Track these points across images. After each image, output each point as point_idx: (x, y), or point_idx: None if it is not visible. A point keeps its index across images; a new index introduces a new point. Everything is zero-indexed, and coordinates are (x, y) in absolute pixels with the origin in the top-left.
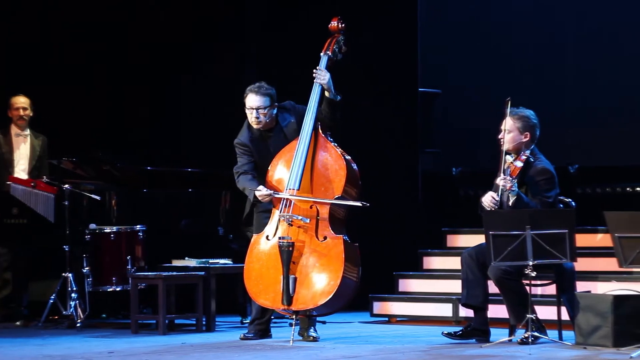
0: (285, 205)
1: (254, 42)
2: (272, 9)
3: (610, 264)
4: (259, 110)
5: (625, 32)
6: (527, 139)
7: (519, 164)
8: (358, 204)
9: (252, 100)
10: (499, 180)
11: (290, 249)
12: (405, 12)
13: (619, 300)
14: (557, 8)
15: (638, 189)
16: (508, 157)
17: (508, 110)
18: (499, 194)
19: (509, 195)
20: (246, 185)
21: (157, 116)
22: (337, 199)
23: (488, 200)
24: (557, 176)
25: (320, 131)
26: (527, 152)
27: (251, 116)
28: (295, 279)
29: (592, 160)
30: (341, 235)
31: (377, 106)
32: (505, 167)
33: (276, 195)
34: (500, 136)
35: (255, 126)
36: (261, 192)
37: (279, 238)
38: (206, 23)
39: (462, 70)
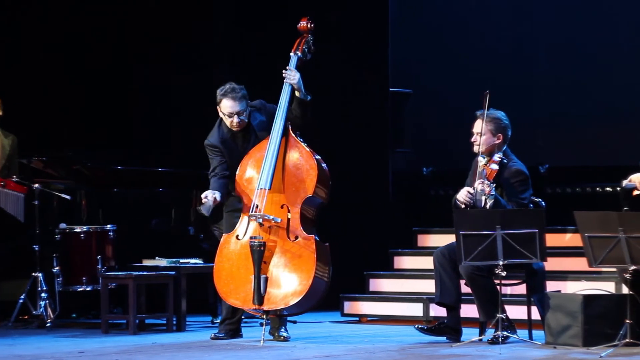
0: (256, 204)
1: (225, 42)
2: (241, 8)
3: (580, 263)
4: (239, 115)
5: (596, 35)
6: (500, 140)
7: (495, 166)
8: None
9: (232, 106)
10: (477, 184)
11: (262, 248)
12: (377, 12)
13: (588, 299)
14: (530, 10)
15: (608, 189)
16: (481, 159)
17: (486, 105)
18: (475, 194)
19: (487, 199)
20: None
21: (130, 115)
22: (308, 198)
23: (463, 195)
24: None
25: (291, 131)
26: (500, 154)
27: (230, 121)
28: (266, 279)
29: (562, 161)
30: (312, 235)
31: (348, 106)
32: (481, 170)
33: (209, 205)
34: (473, 139)
35: (235, 129)
36: (206, 199)
37: (250, 237)
38: (175, 22)
39: (434, 70)
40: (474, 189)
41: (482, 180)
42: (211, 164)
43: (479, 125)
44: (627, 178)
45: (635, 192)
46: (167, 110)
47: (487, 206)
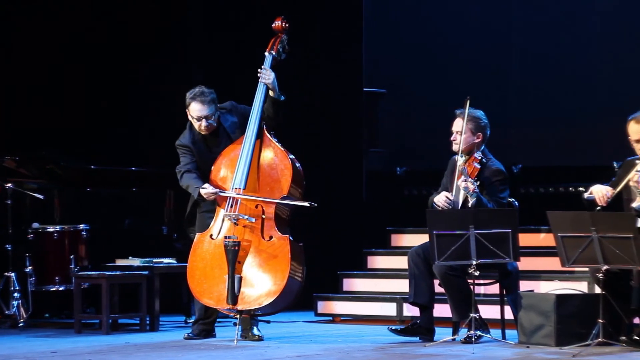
0: (231, 204)
1: (198, 43)
2: (213, 8)
3: (553, 263)
4: (207, 119)
5: (569, 32)
6: (480, 139)
7: (477, 165)
8: (305, 203)
9: (200, 110)
10: (460, 182)
11: (236, 248)
12: (351, 12)
13: (561, 299)
14: (503, 11)
15: (581, 189)
16: (459, 158)
17: (466, 110)
18: (454, 194)
19: (469, 196)
20: (190, 183)
21: (103, 115)
22: (283, 198)
23: (442, 200)
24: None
25: (265, 130)
26: (480, 153)
27: (199, 124)
28: (240, 279)
29: (535, 161)
30: (287, 235)
31: (322, 105)
32: (461, 168)
33: (222, 194)
34: (452, 138)
35: (203, 133)
36: (207, 190)
37: (225, 237)
38: (150, 23)
39: (408, 70)
40: (452, 194)
41: (465, 178)
42: (182, 161)
43: (459, 124)
44: (588, 190)
45: (597, 208)
46: (140, 111)
47: (470, 204)
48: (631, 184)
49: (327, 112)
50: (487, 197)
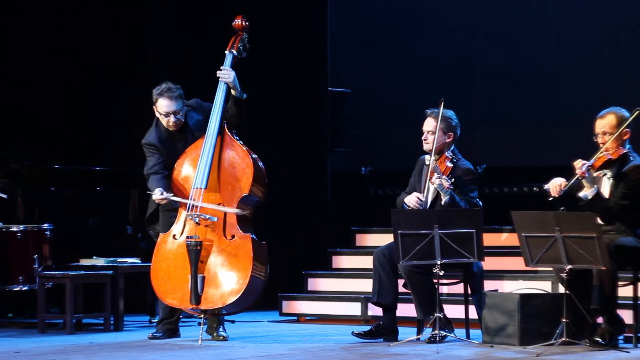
0: (193, 204)
1: (161, 41)
2: (177, 7)
3: (517, 263)
4: (176, 115)
5: (532, 33)
6: (450, 139)
7: (449, 164)
8: (238, 211)
9: (168, 106)
10: (435, 180)
11: (198, 247)
12: (316, 11)
13: (525, 299)
14: (467, 10)
15: (545, 188)
16: (428, 157)
17: (440, 111)
18: (425, 194)
19: (442, 194)
20: (150, 187)
21: (69, 114)
22: (244, 197)
23: (413, 201)
24: None
25: (227, 129)
26: (450, 152)
27: (167, 120)
28: (203, 278)
29: (499, 161)
30: (249, 234)
31: (287, 105)
32: (434, 167)
33: (172, 199)
34: (424, 137)
35: (172, 129)
36: (156, 195)
37: (187, 237)
38: (112, 21)
39: (372, 70)
40: (423, 194)
41: (439, 175)
42: (149, 162)
43: (430, 124)
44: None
45: (550, 198)
46: (105, 110)
47: (442, 202)
48: (576, 171)
49: (292, 112)
50: (459, 196)
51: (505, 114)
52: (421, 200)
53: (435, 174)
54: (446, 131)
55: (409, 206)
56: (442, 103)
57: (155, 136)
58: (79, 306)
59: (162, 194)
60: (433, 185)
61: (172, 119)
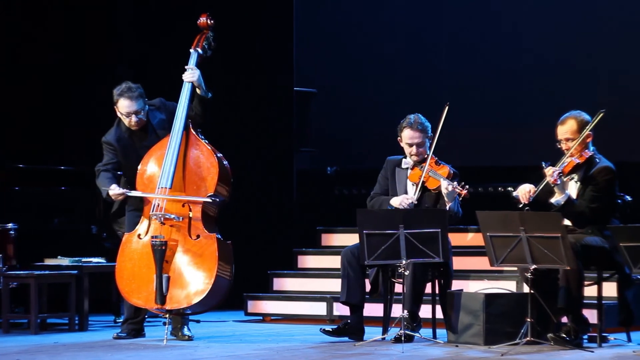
0: (158, 203)
1: (124, 41)
2: (141, 7)
3: (482, 262)
4: (137, 114)
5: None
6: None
7: (444, 163)
8: (206, 199)
9: (129, 106)
10: (447, 186)
11: (163, 247)
12: (282, 12)
13: (490, 298)
14: (434, 13)
15: (510, 189)
16: (405, 160)
17: (444, 115)
18: (416, 198)
19: (448, 199)
20: (100, 184)
21: (34, 113)
22: (210, 196)
23: (405, 203)
24: None
25: (192, 128)
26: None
27: (128, 120)
28: (168, 278)
29: (463, 161)
30: (214, 234)
31: (253, 105)
32: (430, 173)
33: (129, 194)
34: (413, 152)
35: (134, 128)
36: (114, 190)
37: (152, 237)
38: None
39: (339, 70)
40: (413, 196)
41: (449, 182)
42: (104, 159)
43: (417, 136)
44: (516, 188)
45: (520, 205)
46: (72, 109)
47: (448, 207)
48: (548, 178)
49: (258, 111)
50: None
51: (471, 116)
52: (413, 203)
53: (441, 180)
54: (427, 139)
55: (394, 206)
56: (447, 107)
57: (114, 135)
58: (44, 306)
59: (120, 189)
60: (444, 192)
61: (133, 118)
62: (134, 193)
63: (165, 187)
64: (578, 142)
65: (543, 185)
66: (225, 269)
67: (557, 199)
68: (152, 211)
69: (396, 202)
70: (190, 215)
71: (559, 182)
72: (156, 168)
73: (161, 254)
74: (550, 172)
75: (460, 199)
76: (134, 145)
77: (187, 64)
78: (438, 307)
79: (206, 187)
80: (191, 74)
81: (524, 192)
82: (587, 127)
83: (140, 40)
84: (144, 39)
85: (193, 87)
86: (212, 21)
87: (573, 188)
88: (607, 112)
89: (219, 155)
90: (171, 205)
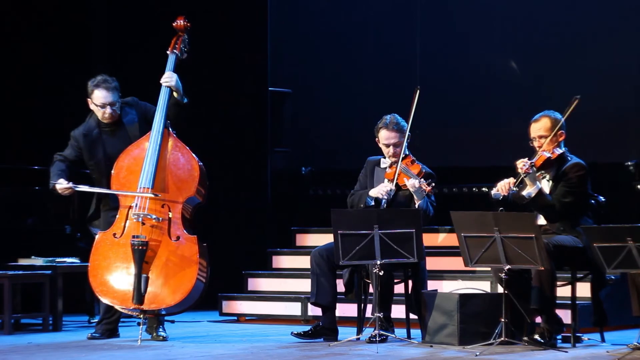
0: (137, 203)
1: (102, 42)
2: (117, 9)
3: (456, 263)
4: (112, 106)
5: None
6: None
7: (418, 162)
8: (138, 193)
9: (104, 97)
10: (414, 183)
11: (144, 247)
12: (256, 12)
13: (464, 299)
14: (408, 13)
15: (484, 189)
16: (384, 159)
17: (416, 100)
18: (390, 193)
19: (416, 197)
20: (52, 173)
21: (8, 112)
22: (190, 198)
23: (383, 191)
24: None
25: (171, 130)
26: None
27: (102, 112)
28: (147, 278)
29: (437, 161)
30: (195, 236)
31: (227, 105)
32: (404, 169)
33: (77, 189)
34: (391, 153)
35: (107, 121)
36: (62, 185)
37: (133, 236)
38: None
39: (313, 71)
40: (390, 185)
41: (417, 179)
42: (65, 150)
43: (394, 137)
44: (495, 187)
45: (501, 197)
46: (48, 108)
47: (417, 205)
48: (519, 169)
49: (232, 111)
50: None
51: (444, 117)
52: (390, 190)
53: (411, 178)
54: (404, 139)
55: (378, 197)
56: (418, 91)
57: (82, 130)
58: (17, 306)
59: (68, 183)
60: (412, 189)
61: (108, 110)
62: (81, 188)
63: (148, 187)
64: (551, 137)
65: (520, 178)
66: (204, 271)
67: (528, 190)
68: (133, 211)
69: (374, 192)
70: (170, 216)
71: (530, 172)
72: (135, 168)
73: (141, 254)
74: (521, 164)
75: (425, 194)
76: (102, 141)
77: (163, 66)
78: None
79: (187, 189)
80: (169, 80)
81: (504, 184)
82: (563, 116)
83: (112, 43)
84: (121, 39)
85: (170, 91)
86: (188, 23)
87: (545, 186)
88: (578, 114)
89: (196, 157)
90: (151, 205)
